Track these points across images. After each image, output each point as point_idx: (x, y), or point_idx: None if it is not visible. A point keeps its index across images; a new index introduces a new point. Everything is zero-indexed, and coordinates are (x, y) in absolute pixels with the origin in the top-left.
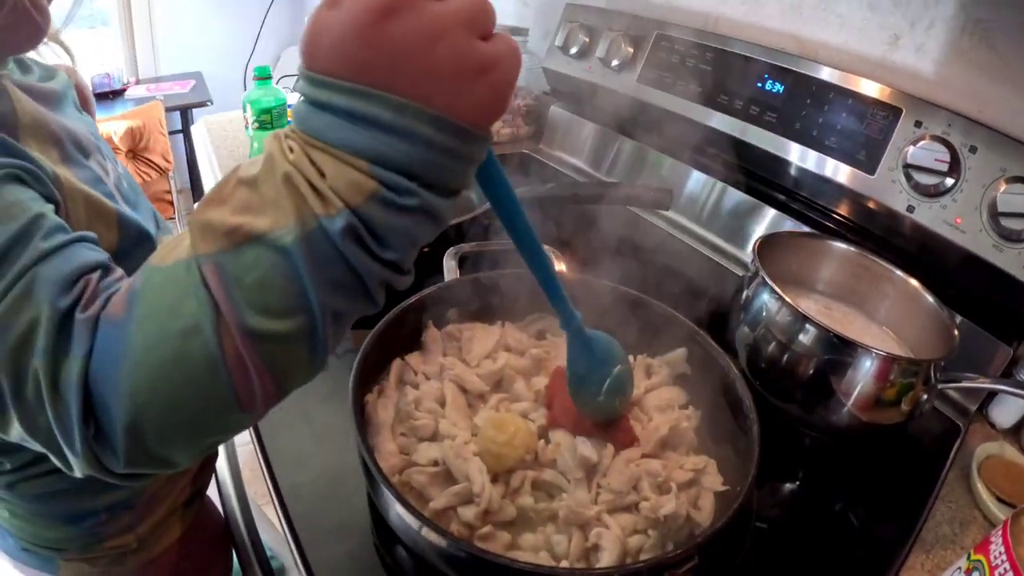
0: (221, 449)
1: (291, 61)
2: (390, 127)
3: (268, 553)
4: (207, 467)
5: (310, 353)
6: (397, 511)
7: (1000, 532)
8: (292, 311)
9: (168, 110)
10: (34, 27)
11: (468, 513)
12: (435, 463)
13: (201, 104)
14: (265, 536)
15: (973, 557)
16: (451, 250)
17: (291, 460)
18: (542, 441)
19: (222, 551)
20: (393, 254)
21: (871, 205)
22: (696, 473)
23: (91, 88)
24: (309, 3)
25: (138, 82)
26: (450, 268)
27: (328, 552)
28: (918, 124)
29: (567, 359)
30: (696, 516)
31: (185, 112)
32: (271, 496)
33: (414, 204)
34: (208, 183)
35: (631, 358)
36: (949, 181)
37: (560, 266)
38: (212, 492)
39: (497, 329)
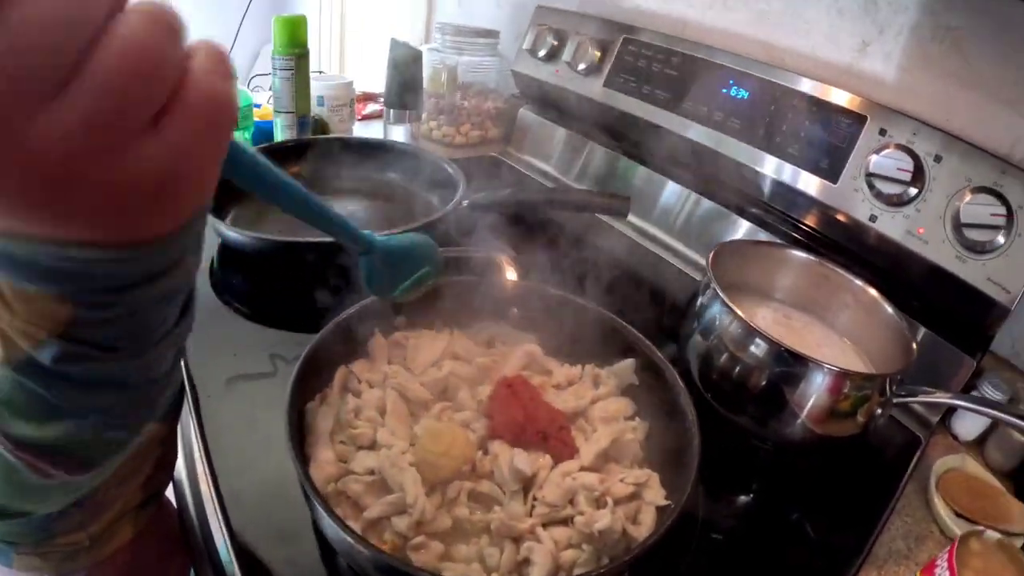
0: (180, 450)
1: (268, 60)
2: None
3: (225, 557)
4: (161, 471)
5: (107, 439)
6: (327, 523)
7: (946, 556)
8: (52, 419)
9: None
10: None
11: (401, 523)
12: (372, 472)
13: None
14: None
15: None
16: None
17: (235, 466)
18: (480, 452)
19: (180, 551)
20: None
21: (834, 214)
22: (638, 487)
23: None
24: (290, 2)
25: None
26: None
27: (270, 559)
28: (883, 132)
29: (363, 272)
30: (633, 531)
31: None
32: (212, 502)
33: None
34: None
35: (579, 367)
36: (912, 191)
37: (513, 274)
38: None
39: (445, 336)
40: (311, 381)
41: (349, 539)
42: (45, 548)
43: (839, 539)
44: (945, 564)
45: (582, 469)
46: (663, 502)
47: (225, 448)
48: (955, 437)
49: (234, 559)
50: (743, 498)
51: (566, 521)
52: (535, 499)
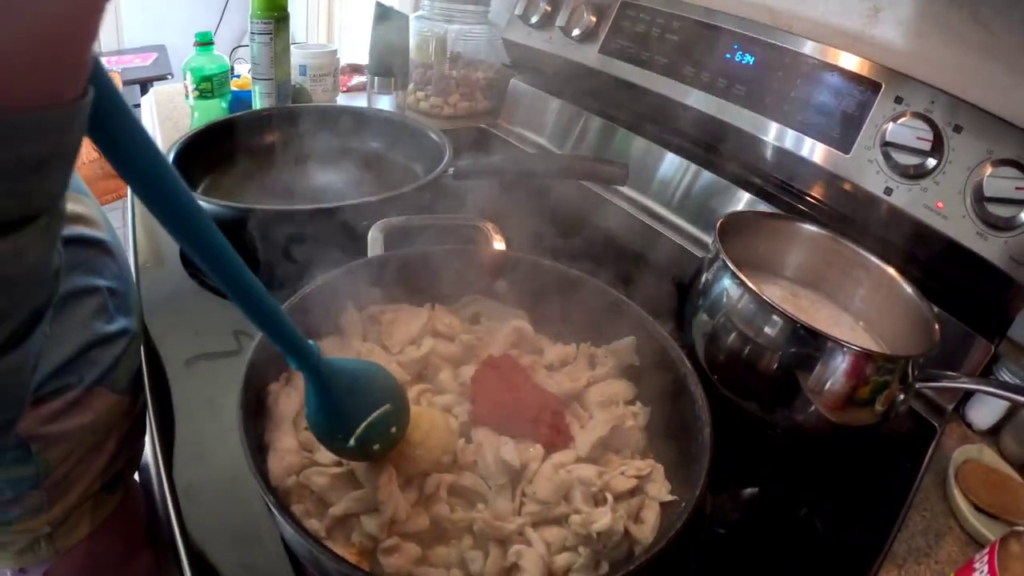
0: (148, 438)
1: None
2: None
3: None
4: (127, 448)
5: None
6: (283, 523)
7: (986, 558)
8: None
9: (127, 83)
10: None
11: (371, 523)
12: (339, 463)
13: (161, 78)
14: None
15: None
16: (379, 223)
17: (193, 454)
18: (463, 440)
19: (145, 549)
20: None
21: (845, 186)
22: (640, 480)
23: None
24: None
25: (99, 55)
26: (375, 241)
27: (226, 562)
28: (898, 100)
29: (306, 400)
30: (636, 531)
31: (145, 86)
32: (167, 496)
33: None
34: None
35: (573, 346)
36: (931, 162)
37: (500, 244)
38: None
39: (425, 312)
40: (273, 360)
41: (306, 543)
42: (3, 537)
43: (854, 535)
44: (985, 569)
45: (577, 460)
46: (668, 497)
47: (183, 435)
48: (969, 425)
49: (186, 563)
50: (749, 490)
51: (559, 520)
52: (524, 495)
